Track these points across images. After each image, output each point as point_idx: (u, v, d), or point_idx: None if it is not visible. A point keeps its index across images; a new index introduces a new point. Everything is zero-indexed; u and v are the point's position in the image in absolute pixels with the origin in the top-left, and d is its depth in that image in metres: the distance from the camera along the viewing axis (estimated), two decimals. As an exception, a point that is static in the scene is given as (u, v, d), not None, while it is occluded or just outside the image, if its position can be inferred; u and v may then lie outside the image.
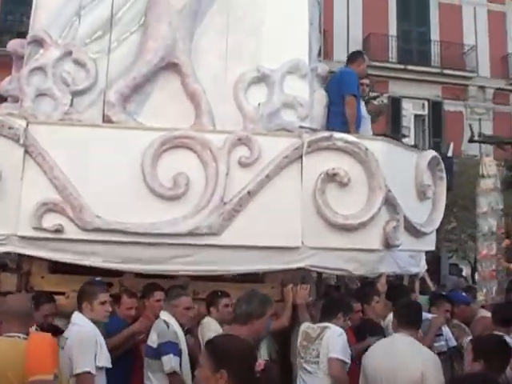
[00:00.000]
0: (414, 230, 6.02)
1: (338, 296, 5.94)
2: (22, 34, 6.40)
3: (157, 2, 5.82)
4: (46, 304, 5.17)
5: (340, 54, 22.17)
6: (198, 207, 5.34)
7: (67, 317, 5.44)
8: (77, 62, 5.76)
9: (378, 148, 5.60)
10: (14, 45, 5.91)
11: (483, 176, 7.41)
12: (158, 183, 5.35)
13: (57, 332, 5.12)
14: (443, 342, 5.29)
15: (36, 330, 4.88)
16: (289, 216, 5.43)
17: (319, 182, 5.43)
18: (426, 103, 23.96)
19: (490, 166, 7.52)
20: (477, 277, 6.50)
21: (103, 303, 4.39)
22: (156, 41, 5.74)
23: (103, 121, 5.68)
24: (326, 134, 5.51)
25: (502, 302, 6.51)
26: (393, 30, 23.76)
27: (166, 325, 4.76)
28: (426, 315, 5.16)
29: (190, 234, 5.26)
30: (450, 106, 23.95)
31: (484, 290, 6.55)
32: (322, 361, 4.54)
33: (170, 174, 5.37)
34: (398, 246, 5.60)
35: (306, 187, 5.47)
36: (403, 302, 4.79)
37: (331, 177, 5.44)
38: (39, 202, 5.27)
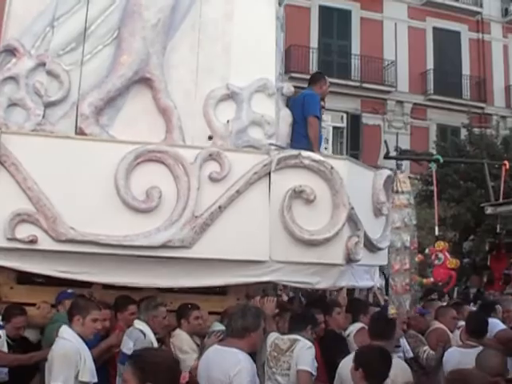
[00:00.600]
0: (370, 246, 6.35)
1: (303, 309, 6.17)
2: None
3: (131, 17, 5.93)
4: (19, 316, 5.20)
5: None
6: (171, 220, 5.48)
7: (37, 328, 5.53)
8: (50, 74, 5.80)
9: (342, 167, 5.90)
10: (-18, 53, 5.86)
11: (397, 192, 7.42)
12: (132, 196, 5.46)
13: (28, 346, 5.20)
14: (401, 354, 5.62)
15: (7, 342, 4.96)
16: (257, 231, 5.64)
17: (287, 198, 5.67)
18: (345, 116, 24.15)
19: (404, 183, 7.56)
20: (390, 291, 6.55)
21: (95, 320, 4.47)
22: (130, 55, 5.85)
23: (76, 133, 5.75)
24: (294, 152, 5.76)
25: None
26: (314, 42, 24.18)
27: (143, 334, 4.91)
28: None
29: (163, 246, 5.40)
30: (368, 120, 24.44)
31: (396, 304, 6.61)
32: (292, 373, 4.77)
33: (143, 188, 5.50)
34: (359, 261, 5.91)
35: (274, 203, 5.70)
36: (376, 315, 5.10)
37: (298, 193, 5.70)
38: (13, 213, 5.29)
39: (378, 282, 6.88)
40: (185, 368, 4.70)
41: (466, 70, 25.73)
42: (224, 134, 5.96)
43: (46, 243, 5.33)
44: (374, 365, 3.77)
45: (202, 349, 5.27)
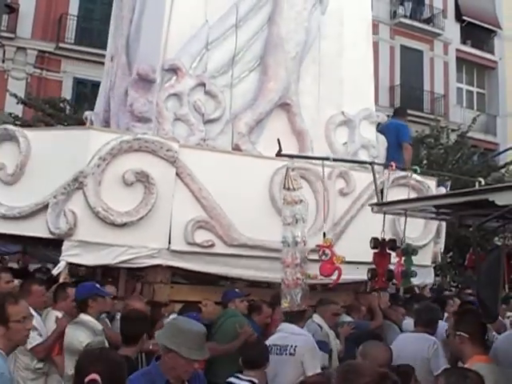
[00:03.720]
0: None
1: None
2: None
3: (275, 48, 6.74)
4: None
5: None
6: (316, 228, 6.47)
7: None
8: (208, 93, 6.45)
9: (433, 185, 7.24)
10: (145, 69, 6.28)
11: (289, 189, 6.93)
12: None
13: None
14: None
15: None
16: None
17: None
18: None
19: (295, 180, 7.01)
20: (282, 285, 6.37)
21: None
22: (276, 82, 6.67)
23: (232, 148, 6.46)
24: (404, 173, 6.98)
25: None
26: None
27: (319, 327, 5.88)
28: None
29: (313, 250, 6.36)
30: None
31: (288, 298, 6.50)
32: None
33: (291, 200, 6.40)
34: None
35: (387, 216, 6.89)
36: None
37: (405, 208, 6.94)
38: (191, 220, 5.95)
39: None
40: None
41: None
42: (343, 155, 7.00)
43: (219, 247, 6.06)
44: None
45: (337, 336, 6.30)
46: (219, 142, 6.41)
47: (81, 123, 8.15)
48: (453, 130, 19.30)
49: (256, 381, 4.54)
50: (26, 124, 13.24)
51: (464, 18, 26.54)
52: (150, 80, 6.36)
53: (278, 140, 5.89)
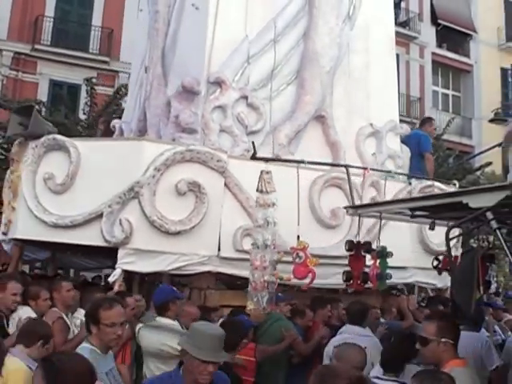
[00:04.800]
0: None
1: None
2: None
3: (310, 62, 7.03)
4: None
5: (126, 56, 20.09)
6: (351, 235, 6.77)
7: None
8: (251, 106, 6.70)
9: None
10: (190, 82, 6.50)
11: (262, 191, 6.91)
12: (323, 214, 6.67)
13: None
14: (498, 337, 7.49)
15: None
16: (404, 245, 7.16)
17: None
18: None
19: (268, 183, 7.00)
20: (249, 287, 6.36)
21: None
22: (313, 95, 6.97)
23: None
24: (430, 182, 7.36)
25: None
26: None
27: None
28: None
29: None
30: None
31: (255, 300, 6.53)
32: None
33: (328, 207, 6.73)
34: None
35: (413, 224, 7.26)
36: None
37: (430, 215, 7.33)
38: (240, 228, 6.21)
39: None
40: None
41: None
42: (373, 165, 7.33)
43: (264, 254, 6.32)
44: None
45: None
46: (261, 152, 6.66)
47: (56, 125, 8.03)
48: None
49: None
50: (1, 126, 13.06)
51: (440, 21, 26.96)
52: (194, 92, 6.59)
53: (253, 143, 6.02)
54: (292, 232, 6.45)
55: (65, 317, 5.39)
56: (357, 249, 5.66)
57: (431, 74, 27.25)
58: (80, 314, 5.47)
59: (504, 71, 25.30)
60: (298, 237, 6.07)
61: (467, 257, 3.96)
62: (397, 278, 7.14)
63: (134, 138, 7.05)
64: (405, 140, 8.17)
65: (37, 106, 15.76)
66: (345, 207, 5.94)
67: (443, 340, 3.65)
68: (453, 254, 5.64)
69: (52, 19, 21.66)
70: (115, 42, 22.23)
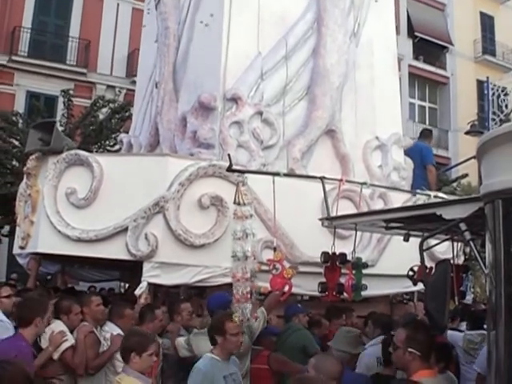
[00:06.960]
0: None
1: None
2: None
3: (321, 79, 7.28)
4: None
5: (104, 68, 22.37)
6: (363, 245, 7.03)
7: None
8: (265, 121, 6.91)
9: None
10: (207, 98, 6.68)
11: (239, 204, 6.77)
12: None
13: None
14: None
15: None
16: (410, 254, 7.41)
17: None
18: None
19: (245, 195, 6.81)
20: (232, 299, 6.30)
21: None
22: (324, 111, 7.21)
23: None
24: (433, 193, 7.64)
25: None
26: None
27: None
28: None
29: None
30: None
31: (239, 312, 6.25)
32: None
33: (341, 219, 6.95)
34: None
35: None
36: None
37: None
38: (259, 240, 6.39)
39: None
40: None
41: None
42: (380, 177, 7.60)
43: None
44: None
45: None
46: (276, 167, 6.86)
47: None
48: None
49: None
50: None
51: (416, 34, 27.60)
52: (211, 108, 6.78)
53: (229, 155, 6.15)
54: (309, 244, 6.67)
55: (95, 331, 5.52)
56: (332, 260, 5.79)
57: (408, 87, 27.76)
58: (109, 327, 5.62)
59: (480, 83, 25.88)
60: (275, 248, 6.11)
61: (440, 267, 3.92)
62: (404, 286, 7.44)
63: (157, 153, 7.20)
64: (407, 152, 8.46)
65: (14, 118, 16.10)
66: (320, 219, 5.98)
67: (409, 350, 3.76)
68: (456, 262, 6.03)
69: (29, 30, 21.76)
70: (92, 53, 22.47)
